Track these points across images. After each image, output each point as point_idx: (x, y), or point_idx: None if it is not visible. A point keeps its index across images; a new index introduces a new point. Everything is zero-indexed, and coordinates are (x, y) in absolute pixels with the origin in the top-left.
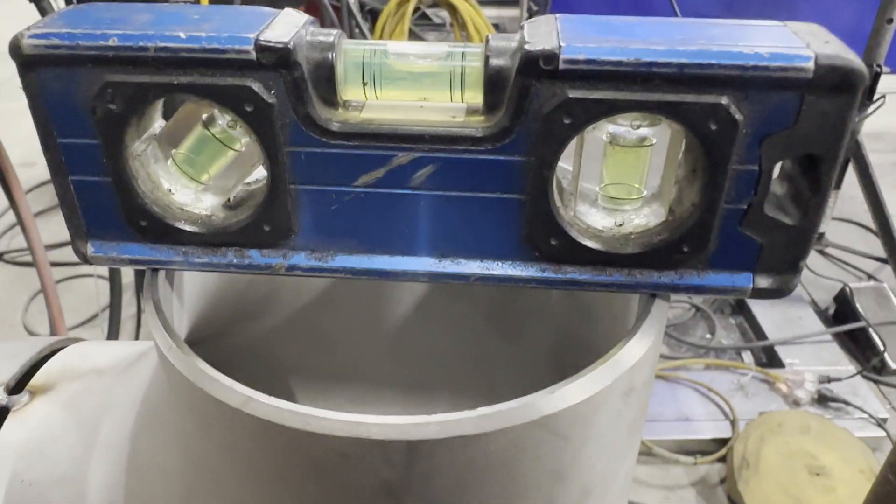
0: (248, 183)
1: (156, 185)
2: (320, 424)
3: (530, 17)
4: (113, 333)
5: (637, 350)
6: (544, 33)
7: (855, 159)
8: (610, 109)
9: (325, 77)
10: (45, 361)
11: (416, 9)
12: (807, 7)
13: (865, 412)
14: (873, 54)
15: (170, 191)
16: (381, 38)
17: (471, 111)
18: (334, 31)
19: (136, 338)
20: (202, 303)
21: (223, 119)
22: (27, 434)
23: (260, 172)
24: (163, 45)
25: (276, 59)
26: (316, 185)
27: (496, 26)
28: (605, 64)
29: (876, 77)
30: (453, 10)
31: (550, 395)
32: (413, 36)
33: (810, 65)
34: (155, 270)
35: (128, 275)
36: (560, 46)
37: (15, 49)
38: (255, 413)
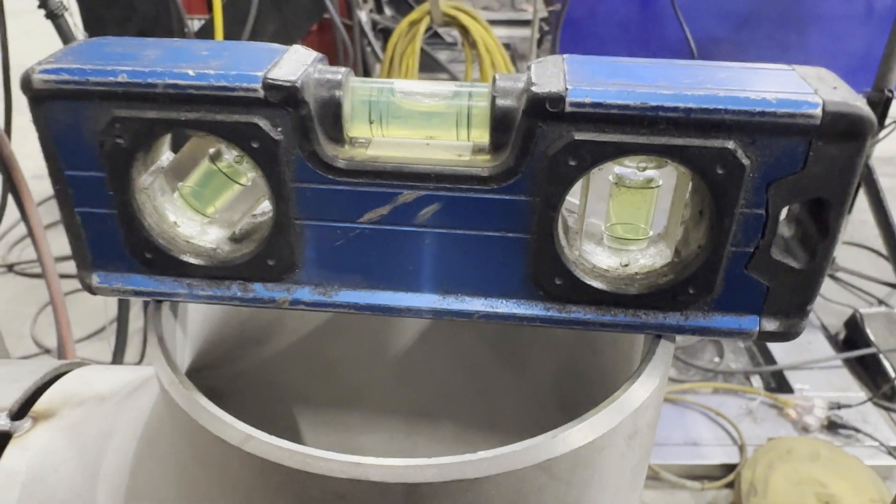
0: (254, 216)
1: (162, 218)
2: (318, 465)
3: (541, 37)
4: (120, 348)
5: (642, 393)
6: (551, 75)
7: (866, 184)
8: (616, 152)
9: (332, 115)
10: (48, 386)
11: (428, 28)
12: (818, 32)
13: (876, 440)
14: (885, 79)
15: (175, 223)
16: (392, 57)
17: (477, 150)
18: (342, 70)
19: (143, 352)
20: (207, 330)
21: (230, 154)
22: (28, 461)
23: (265, 206)
24: (171, 81)
25: (284, 97)
26: (321, 220)
27: (507, 46)
28: (611, 107)
29: (887, 102)
30: (465, 31)
31: (553, 439)
32: (424, 55)
33: (818, 111)
34: (159, 302)
35: None
36: (566, 89)
37: (26, 83)
38: (253, 451)
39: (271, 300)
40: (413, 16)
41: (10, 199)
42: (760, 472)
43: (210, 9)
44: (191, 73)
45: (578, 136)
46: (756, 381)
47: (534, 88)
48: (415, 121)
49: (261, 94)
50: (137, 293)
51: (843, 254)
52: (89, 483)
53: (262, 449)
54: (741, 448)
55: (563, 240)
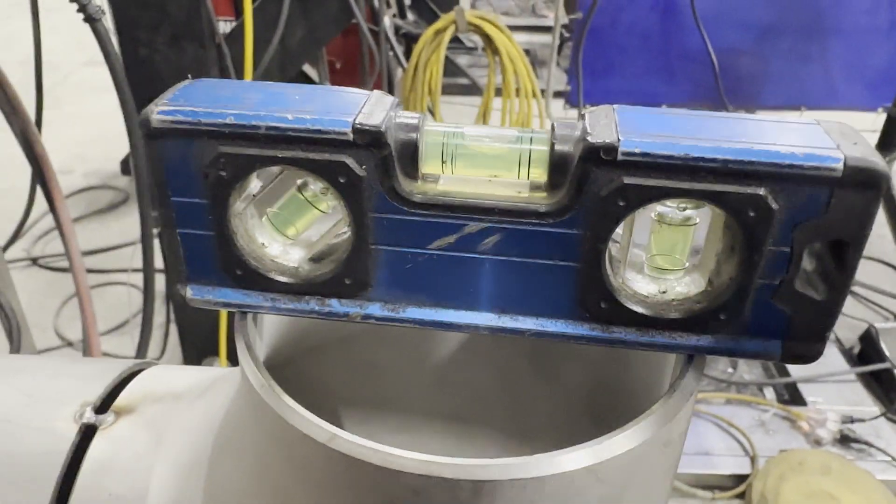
0: (331, 239)
1: (251, 239)
2: (398, 462)
3: (561, 44)
4: (144, 342)
5: (677, 406)
6: (604, 125)
7: (884, 199)
8: (660, 195)
9: (410, 155)
10: (126, 384)
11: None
12: (840, 46)
13: (888, 455)
14: None
15: (263, 244)
16: (416, 63)
17: (534, 187)
18: (418, 115)
19: (164, 346)
20: (275, 338)
21: (315, 185)
22: (114, 452)
23: (340, 230)
24: (272, 124)
25: (370, 140)
26: (394, 246)
27: (526, 51)
28: (657, 157)
29: None
30: (488, 40)
31: (598, 446)
32: (447, 60)
33: (839, 165)
34: (244, 313)
35: (158, 283)
36: (619, 140)
37: (144, 123)
38: (339, 448)
39: (345, 314)
40: (438, 25)
41: (31, 195)
42: (772, 484)
43: (236, 12)
44: (289, 117)
45: (628, 181)
46: (769, 393)
47: (589, 138)
48: (481, 161)
49: (350, 137)
50: (227, 305)
51: (859, 268)
52: (169, 472)
53: (347, 447)
54: (753, 459)
55: (608, 268)
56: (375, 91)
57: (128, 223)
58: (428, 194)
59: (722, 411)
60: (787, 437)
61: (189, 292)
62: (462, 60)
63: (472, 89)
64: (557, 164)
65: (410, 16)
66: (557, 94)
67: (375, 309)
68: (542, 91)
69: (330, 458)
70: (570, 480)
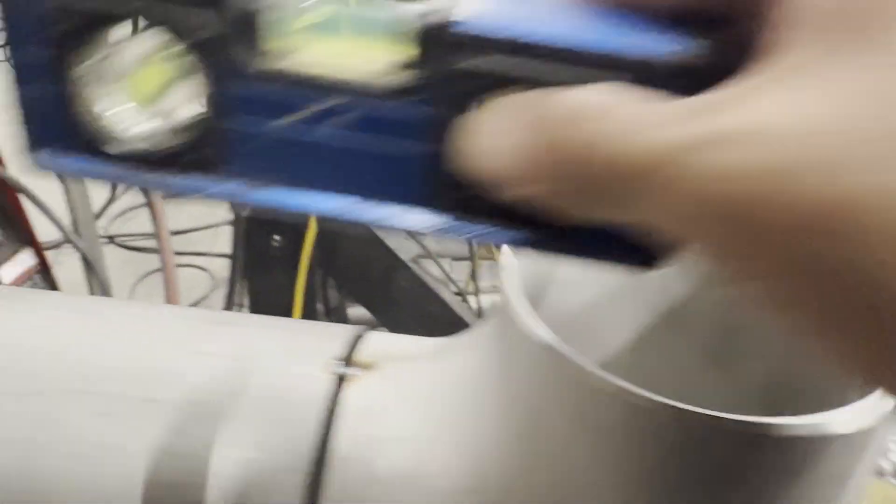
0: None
1: (97, 103)
2: (682, 414)
3: None
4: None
5: None
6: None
7: None
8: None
9: (269, 25)
10: (356, 344)
11: None
12: None
13: None
14: None
15: (112, 110)
16: None
17: (390, 67)
18: None
19: None
20: None
21: (171, 49)
22: (368, 399)
23: (193, 103)
24: None
25: None
26: (248, 118)
27: None
28: (504, 40)
29: None
30: None
31: (866, 410)
32: None
33: None
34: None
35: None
36: (465, 20)
37: None
38: (629, 400)
39: (195, 189)
40: None
41: None
42: None
43: None
44: None
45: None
46: None
47: (450, 18)
48: (339, 40)
49: None
50: (73, 173)
51: None
52: (419, 421)
53: (636, 400)
54: None
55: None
56: None
57: (197, 207)
58: (282, 67)
59: None
60: None
61: (37, 158)
62: None
63: None
64: (417, 43)
65: None
66: None
67: (230, 187)
68: None
69: (618, 407)
70: (818, 442)
